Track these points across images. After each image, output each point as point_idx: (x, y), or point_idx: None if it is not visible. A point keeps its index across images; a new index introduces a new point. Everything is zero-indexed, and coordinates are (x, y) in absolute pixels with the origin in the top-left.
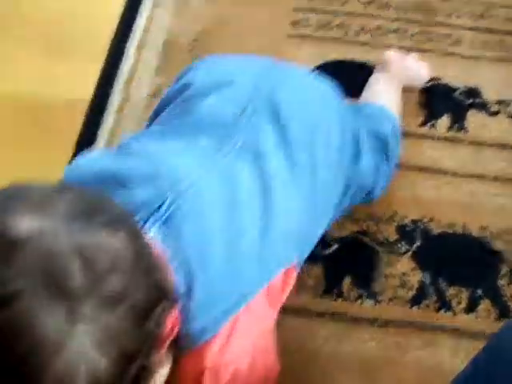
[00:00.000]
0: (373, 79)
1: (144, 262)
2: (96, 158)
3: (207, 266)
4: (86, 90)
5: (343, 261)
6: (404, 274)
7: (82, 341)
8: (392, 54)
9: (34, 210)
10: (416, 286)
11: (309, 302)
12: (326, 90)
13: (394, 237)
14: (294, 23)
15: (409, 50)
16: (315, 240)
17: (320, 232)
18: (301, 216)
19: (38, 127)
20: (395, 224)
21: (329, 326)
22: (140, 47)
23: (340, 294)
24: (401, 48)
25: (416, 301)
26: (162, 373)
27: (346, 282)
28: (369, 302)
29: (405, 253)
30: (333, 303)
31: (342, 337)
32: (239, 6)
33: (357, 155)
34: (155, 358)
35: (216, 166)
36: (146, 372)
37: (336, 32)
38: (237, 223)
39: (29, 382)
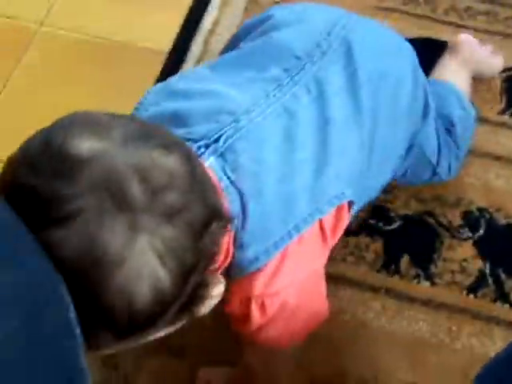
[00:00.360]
0: (445, 60)
1: (198, 182)
2: (156, 98)
3: (261, 199)
4: (167, 40)
5: (404, 238)
6: (464, 260)
7: (143, 252)
8: (465, 38)
9: (92, 132)
10: (475, 273)
11: (365, 275)
12: (402, 42)
13: (458, 222)
14: None
15: (498, 34)
16: (373, 188)
17: (379, 181)
18: (357, 158)
19: (113, 72)
20: (461, 209)
21: (382, 301)
22: (224, 3)
23: (397, 271)
24: (489, 32)
25: (473, 289)
26: (216, 296)
27: (405, 259)
28: (425, 283)
29: (467, 239)
30: (389, 279)
31: (393, 313)
32: None
33: (424, 114)
34: (210, 279)
35: (280, 100)
36: (201, 290)
37: (423, 9)
38: (292, 159)
39: (94, 292)
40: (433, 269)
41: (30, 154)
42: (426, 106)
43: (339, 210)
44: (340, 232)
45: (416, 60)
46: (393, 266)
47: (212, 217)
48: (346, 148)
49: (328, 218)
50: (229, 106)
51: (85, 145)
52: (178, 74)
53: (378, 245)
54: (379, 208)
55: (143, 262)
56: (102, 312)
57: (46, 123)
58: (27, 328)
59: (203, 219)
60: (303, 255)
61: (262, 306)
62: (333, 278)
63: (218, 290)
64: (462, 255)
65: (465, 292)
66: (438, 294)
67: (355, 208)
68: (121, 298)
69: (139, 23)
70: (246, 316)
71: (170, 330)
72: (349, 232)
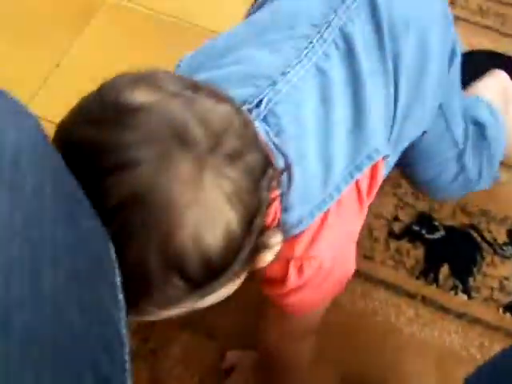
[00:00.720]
0: (482, 80)
1: (250, 131)
2: (189, 70)
3: (303, 162)
4: (231, 24)
5: (446, 249)
6: (505, 278)
7: (211, 192)
8: (503, 74)
9: (145, 85)
10: None
11: (403, 280)
12: None
13: (502, 239)
14: (452, 2)
15: None
16: (404, 141)
17: (412, 132)
18: (385, 110)
19: (175, 49)
20: (507, 227)
21: (417, 308)
22: None
23: (435, 280)
24: None
25: (510, 307)
26: (275, 246)
27: (444, 270)
28: (462, 296)
29: (510, 257)
30: (426, 287)
31: (426, 322)
32: None
33: (450, 63)
34: (268, 232)
35: (311, 60)
36: (263, 238)
37: (493, 21)
38: (329, 120)
39: (165, 237)
40: (471, 282)
41: (85, 111)
42: (452, 55)
43: (374, 167)
44: (375, 191)
45: (446, 7)
46: (431, 275)
47: (267, 164)
48: (376, 102)
49: (363, 179)
50: (263, 69)
51: (139, 96)
52: (207, 42)
53: (418, 252)
54: (424, 216)
55: (212, 202)
56: (174, 257)
57: None
58: (70, 288)
59: (260, 165)
60: (342, 218)
61: (300, 269)
62: (370, 279)
63: (276, 239)
64: (502, 273)
65: (501, 310)
66: (473, 309)
67: (390, 163)
68: (192, 240)
69: (207, 5)
70: (283, 277)
71: (232, 287)
72: (391, 235)
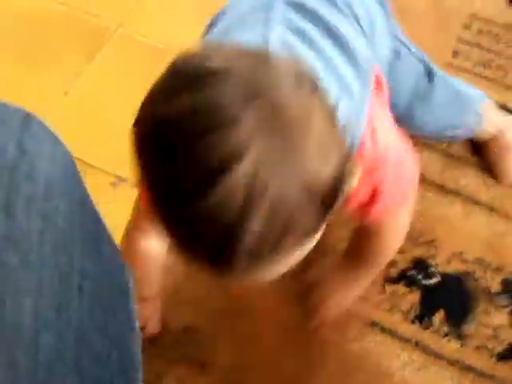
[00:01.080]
0: None
1: (307, 71)
2: None
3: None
4: None
5: (441, 295)
6: (499, 327)
7: (321, 122)
8: None
9: (215, 53)
10: (507, 342)
11: (397, 324)
12: None
13: (497, 288)
14: (455, 53)
15: None
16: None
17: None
18: (357, 36)
19: None
20: (502, 276)
21: (410, 352)
22: None
23: (429, 326)
24: None
25: (504, 357)
26: (356, 170)
27: (439, 315)
28: (455, 343)
29: (505, 307)
30: (420, 332)
31: (420, 367)
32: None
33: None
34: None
35: (278, 24)
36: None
37: (494, 72)
38: (324, 55)
39: (296, 172)
40: (465, 330)
41: (168, 86)
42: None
43: (376, 77)
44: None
45: None
46: (426, 320)
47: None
48: (348, 30)
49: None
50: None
51: (218, 61)
52: None
53: (414, 296)
54: (421, 261)
55: (325, 131)
56: (310, 188)
57: (113, 120)
58: (93, 314)
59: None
60: (380, 109)
61: (378, 169)
62: (364, 322)
63: (353, 163)
64: (496, 322)
65: (494, 358)
66: (466, 356)
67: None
68: (322, 165)
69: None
70: (371, 194)
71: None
72: (387, 279)
